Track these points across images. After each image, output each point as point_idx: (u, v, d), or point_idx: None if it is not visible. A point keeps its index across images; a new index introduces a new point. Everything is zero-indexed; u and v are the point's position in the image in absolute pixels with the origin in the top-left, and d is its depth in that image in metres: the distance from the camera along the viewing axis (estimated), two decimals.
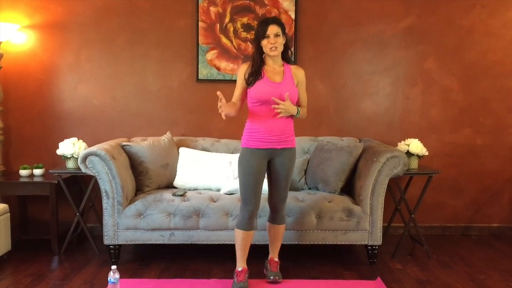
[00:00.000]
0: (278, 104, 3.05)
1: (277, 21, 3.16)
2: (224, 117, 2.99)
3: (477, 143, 4.51)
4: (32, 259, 3.77)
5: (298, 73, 3.25)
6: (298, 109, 3.15)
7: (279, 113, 3.07)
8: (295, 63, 4.31)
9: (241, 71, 3.21)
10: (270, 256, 3.41)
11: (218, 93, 3.00)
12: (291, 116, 3.20)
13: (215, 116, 4.37)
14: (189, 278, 3.39)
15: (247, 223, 3.20)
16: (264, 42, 3.12)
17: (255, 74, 3.15)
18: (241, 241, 3.21)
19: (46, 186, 3.91)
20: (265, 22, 3.14)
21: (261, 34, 3.11)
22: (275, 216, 3.32)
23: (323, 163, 3.87)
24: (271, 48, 3.10)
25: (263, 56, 3.19)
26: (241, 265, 3.24)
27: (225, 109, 3.00)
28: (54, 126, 4.40)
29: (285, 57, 3.24)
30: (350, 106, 4.49)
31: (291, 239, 3.59)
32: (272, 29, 3.09)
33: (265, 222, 3.43)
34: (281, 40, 3.12)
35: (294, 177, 3.93)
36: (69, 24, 4.34)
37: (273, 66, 3.20)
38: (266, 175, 3.27)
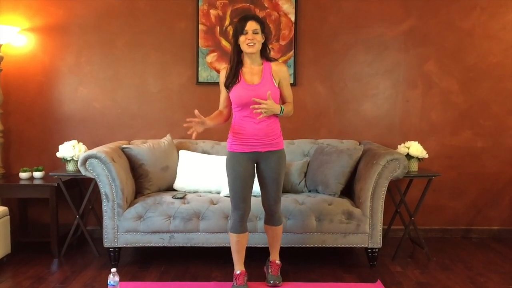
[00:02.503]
0: (259, 104, 2.99)
1: (256, 18, 3.11)
2: (193, 137, 2.98)
3: (477, 145, 4.51)
4: (32, 262, 3.77)
5: (279, 69, 3.16)
6: (281, 108, 3.09)
7: (260, 114, 3.00)
8: (294, 66, 4.33)
9: (222, 75, 3.20)
10: (271, 258, 3.40)
11: (196, 112, 2.99)
12: (276, 116, 3.14)
13: None
14: (189, 281, 3.39)
15: (239, 226, 3.19)
16: (241, 39, 3.05)
17: (231, 77, 3.10)
18: (235, 244, 3.21)
19: (46, 188, 3.91)
20: (244, 18, 3.08)
21: (239, 30, 3.05)
22: (271, 218, 3.30)
23: (323, 166, 3.87)
24: (248, 44, 3.03)
25: (241, 55, 3.12)
26: (239, 268, 3.24)
27: (199, 127, 2.99)
28: (54, 129, 4.40)
29: (264, 55, 3.16)
30: (350, 108, 4.48)
31: (291, 241, 3.58)
32: (251, 25, 3.02)
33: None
34: (259, 38, 3.05)
35: (294, 179, 3.93)
36: (69, 26, 4.35)
37: (251, 66, 3.13)
38: (257, 177, 3.25)
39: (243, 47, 3.07)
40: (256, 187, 3.29)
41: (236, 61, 3.11)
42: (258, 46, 3.07)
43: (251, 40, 3.02)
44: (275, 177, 3.19)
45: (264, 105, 2.99)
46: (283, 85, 3.18)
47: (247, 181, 3.16)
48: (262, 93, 3.04)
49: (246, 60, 3.13)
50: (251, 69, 3.13)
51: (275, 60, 3.26)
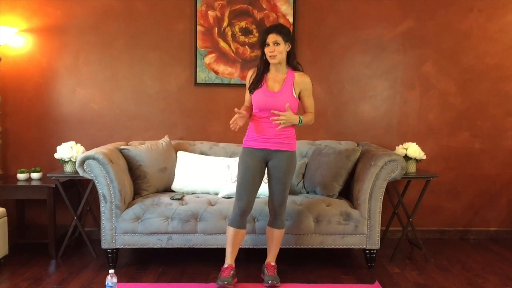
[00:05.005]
0: (278, 115, 3.12)
1: (278, 29, 3.22)
2: (236, 129, 3.17)
3: (475, 146, 4.52)
4: (30, 263, 3.77)
5: (300, 81, 3.27)
6: (300, 118, 3.20)
7: (279, 125, 3.13)
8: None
9: (248, 76, 3.35)
10: (267, 260, 3.41)
11: (236, 109, 3.15)
12: (293, 125, 3.25)
13: (213, 120, 4.41)
14: (187, 282, 3.39)
15: (238, 221, 3.27)
16: (265, 50, 3.22)
17: (255, 82, 3.27)
18: (231, 238, 3.28)
19: (43, 189, 3.91)
20: (266, 30, 3.25)
21: (261, 42, 3.24)
22: (274, 220, 3.35)
23: (321, 167, 3.87)
24: (270, 56, 3.20)
25: (268, 63, 3.27)
26: (228, 262, 3.30)
27: (241, 121, 3.16)
28: (52, 130, 4.39)
29: (291, 64, 3.29)
30: (348, 110, 4.49)
31: (289, 242, 3.58)
32: (271, 38, 3.18)
33: (264, 226, 3.45)
34: (280, 48, 3.19)
35: (293, 180, 3.93)
36: (67, 27, 4.34)
37: (276, 73, 3.28)
38: (266, 177, 3.37)
39: (267, 58, 3.23)
40: (261, 189, 3.38)
41: (263, 68, 3.28)
42: (280, 57, 3.21)
43: (271, 52, 3.18)
44: (282, 177, 3.27)
45: (283, 116, 3.12)
46: (304, 96, 3.29)
47: (255, 176, 3.27)
48: (279, 102, 3.18)
49: (272, 68, 3.28)
50: (275, 76, 3.28)
51: (300, 70, 3.34)
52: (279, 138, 3.24)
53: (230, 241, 3.30)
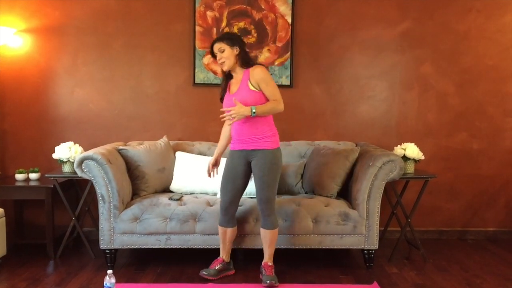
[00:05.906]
0: (228, 112, 3.17)
1: (220, 38, 3.32)
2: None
3: (473, 147, 4.53)
4: (28, 264, 3.76)
5: (253, 73, 3.29)
6: (252, 109, 3.17)
7: (233, 119, 3.18)
8: (291, 68, 4.34)
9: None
10: (263, 261, 3.42)
11: (208, 176, 3.58)
12: (262, 117, 3.25)
13: (212, 120, 4.41)
14: (186, 283, 3.38)
15: (221, 220, 3.43)
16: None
17: (222, 91, 3.43)
18: (220, 235, 3.48)
19: (42, 190, 3.90)
20: (211, 44, 3.34)
21: (212, 56, 3.36)
22: (264, 221, 3.37)
23: (320, 167, 3.87)
24: (220, 64, 3.33)
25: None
26: (220, 255, 3.50)
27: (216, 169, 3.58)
28: (50, 130, 4.39)
29: (245, 63, 3.32)
30: (346, 110, 4.49)
31: (287, 243, 3.58)
32: (216, 47, 3.29)
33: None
34: (227, 54, 3.27)
35: (291, 181, 3.94)
36: (66, 28, 4.34)
37: (236, 77, 3.37)
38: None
39: (220, 67, 3.38)
40: (252, 189, 3.39)
41: (226, 76, 3.41)
42: (229, 62, 3.30)
43: (220, 59, 3.30)
44: (261, 175, 3.30)
45: (232, 110, 3.18)
46: (262, 87, 3.29)
47: (235, 177, 3.38)
48: (237, 100, 3.26)
49: (233, 73, 3.38)
50: (236, 79, 3.37)
51: (254, 64, 3.35)
52: (254, 138, 3.29)
53: (220, 238, 3.49)
